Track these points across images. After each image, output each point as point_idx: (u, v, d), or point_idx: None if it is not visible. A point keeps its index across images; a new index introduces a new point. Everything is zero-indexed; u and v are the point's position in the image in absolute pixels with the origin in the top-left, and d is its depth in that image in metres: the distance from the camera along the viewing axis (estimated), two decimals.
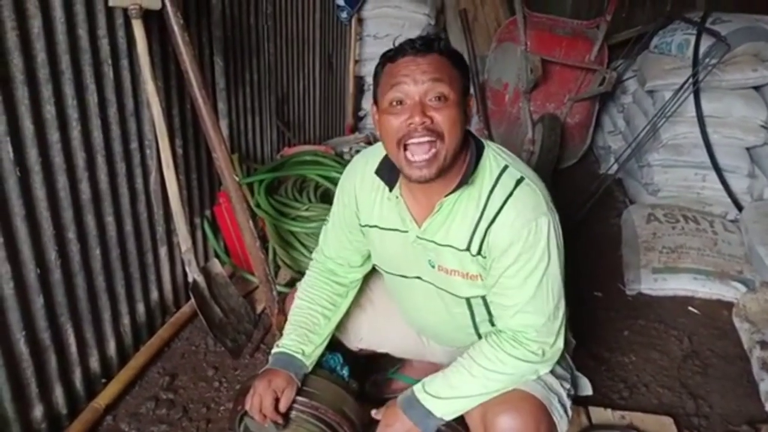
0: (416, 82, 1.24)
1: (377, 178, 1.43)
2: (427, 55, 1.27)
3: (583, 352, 2.12)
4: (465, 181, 1.32)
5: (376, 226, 1.49)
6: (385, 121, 1.29)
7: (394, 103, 1.27)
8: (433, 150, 1.25)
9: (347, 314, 1.69)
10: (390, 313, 1.72)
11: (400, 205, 1.41)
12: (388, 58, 1.31)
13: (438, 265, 1.41)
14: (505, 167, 1.35)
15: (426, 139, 1.24)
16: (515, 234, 1.29)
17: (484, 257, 1.35)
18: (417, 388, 1.38)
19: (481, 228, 1.33)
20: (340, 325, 1.68)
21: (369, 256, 1.62)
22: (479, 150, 1.37)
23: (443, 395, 1.35)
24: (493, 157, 1.37)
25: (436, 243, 1.38)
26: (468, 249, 1.35)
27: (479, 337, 1.52)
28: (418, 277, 1.48)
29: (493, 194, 1.32)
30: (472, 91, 4.25)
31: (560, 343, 1.35)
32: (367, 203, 1.49)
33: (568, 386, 1.42)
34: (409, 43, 1.29)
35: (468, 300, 1.43)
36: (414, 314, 1.63)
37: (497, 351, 1.33)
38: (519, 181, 1.33)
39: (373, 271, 1.72)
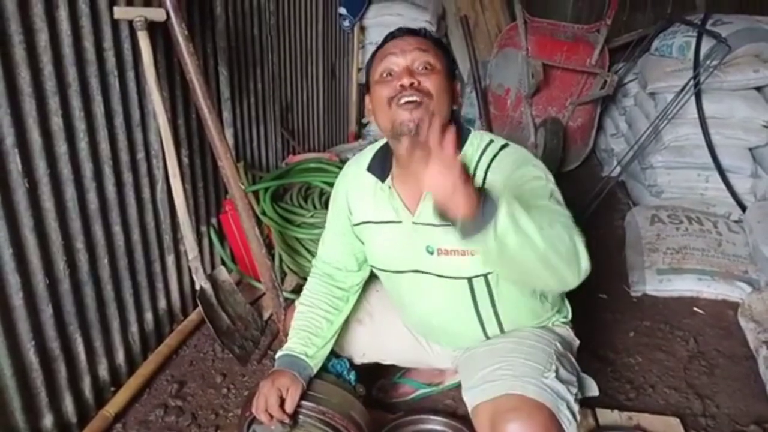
0: (404, 52, 1.36)
1: (369, 175, 1.49)
2: (413, 35, 1.41)
3: (588, 354, 2.13)
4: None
5: (369, 222, 1.52)
6: (376, 91, 1.38)
7: (385, 74, 1.37)
8: (421, 100, 1.31)
9: (347, 331, 1.71)
10: (389, 324, 1.73)
11: (392, 195, 1.45)
12: (381, 43, 1.44)
13: (438, 249, 1.42)
14: (491, 140, 1.44)
15: (414, 98, 1.31)
16: (512, 165, 1.36)
17: None
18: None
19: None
20: (341, 343, 1.70)
21: (365, 261, 1.65)
22: (464, 132, 1.45)
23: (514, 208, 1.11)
24: (479, 136, 1.46)
25: (433, 225, 1.40)
26: None
27: (482, 326, 1.53)
28: (416, 270, 1.49)
29: (480, 160, 1.40)
30: (474, 95, 4.29)
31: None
32: (360, 201, 1.54)
33: (575, 391, 1.42)
34: (396, 30, 1.45)
35: (470, 281, 1.44)
36: (415, 314, 1.63)
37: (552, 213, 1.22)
38: (504, 146, 1.42)
39: (370, 285, 1.74)
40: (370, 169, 1.50)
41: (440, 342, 1.69)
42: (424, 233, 1.42)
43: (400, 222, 1.46)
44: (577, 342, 1.62)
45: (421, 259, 1.46)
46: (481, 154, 1.41)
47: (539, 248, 1.11)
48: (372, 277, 1.73)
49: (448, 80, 1.38)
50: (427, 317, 1.61)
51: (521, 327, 1.55)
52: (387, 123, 1.37)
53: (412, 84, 1.31)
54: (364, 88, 1.48)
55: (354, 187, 1.56)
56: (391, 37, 1.43)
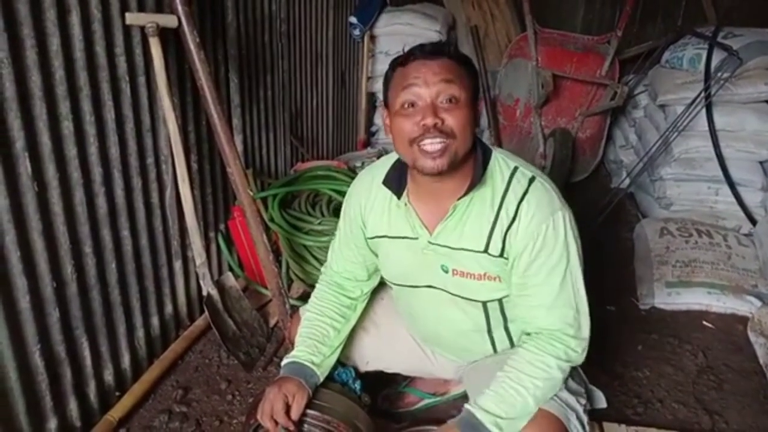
0: (428, 84, 1.27)
1: (384, 189, 1.45)
2: (437, 58, 1.30)
3: (596, 367, 2.11)
4: (476, 182, 1.34)
5: (385, 236, 1.50)
6: (398, 123, 1.31)
7: (406, 105, 1.30)
8: (445, 144, 1.27)
9: (351, 339, 1.69)
10: (395, 333, 1.73)
11: (408, 212, 1.43)
12: (399, 62, 1.34)
13: (453, 269, 1.41)
14: (516, 168, 1.38)
15: (438, 140, 1.27)
16: (534, 231, 1.31)
17: (506, 258, 1.35)
18: (473, 408, 1.30)
19: (500, 229, 1.34)
20: (346, 351, 1.68)
21: (375, 271, 1.65)
22: (487, 154, 1.40)
23: (500, 413, 1.28)
24: (502, 160, 1.40)
25: (449, 247, 1.39)
26: (486, 251, 1.36)
27: (492, 345, 1.52)
28: (430, 286, 1.48)
29: (507, 195, 1.34)
30: (483, 103, 4.29)
31: (588, 338, 1.38)
32: (375, 215, 1.51)
33: (584, 401, 1.41)
34: (419, 47, 1.33)
35: (485, 304, 1.43)
36: (426, 327, 1.63)
37: (541, 355, 1.33)
38: (531, 180, 1.36)
39: (376, 294, 1.74)
40: (386, 182, 1.46)
41: (447, 354, 1.68)
42: (441, 253, 1.41)
43: (416, 238, 1.44)
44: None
45: (435, 276, 1.45)
46: (508, 184, 1.36)
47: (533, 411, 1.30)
48: (378, 286, 1.73)
49: (472, 109, 1.32)
50: (437, 331, 1.60)
51: None
52: (408, 159, 1.34)
53: (436, 124, 1.26)
54: (381, 102, 1.45)
55: (368, 200, 1.52)
56: (413, 57, 1.32)
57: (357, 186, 1.58)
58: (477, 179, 1.34)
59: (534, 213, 1.32)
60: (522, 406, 1.29)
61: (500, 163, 1.39)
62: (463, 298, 1.44)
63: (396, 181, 1.44)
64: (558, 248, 1.32)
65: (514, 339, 1.52)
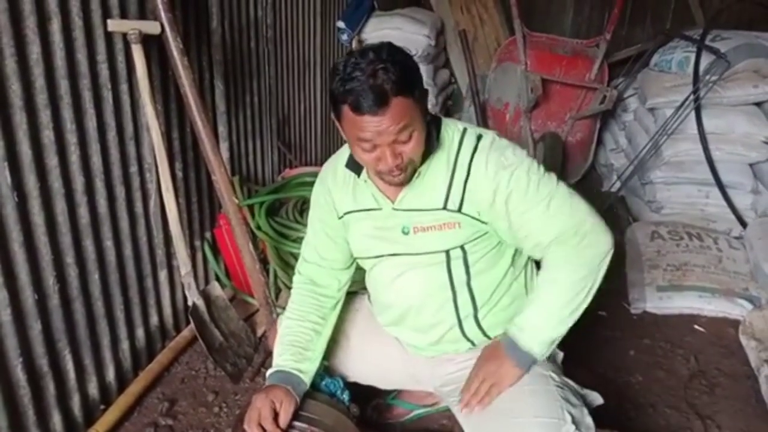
0: (381, 134, 1.29)
1: (347, 171, 1.52)
2: (384, 108, 1.24)
3: (587, 373, 2.09)
4: (431, 151, 1.42)
5: (352, 212, 1.56)
6: (356, 150, 1.37)
7: (365, 145, 1.33)
8: (405, 172, 1.39)
9: (332, 352, 1.71)
10: (367, 344, 1.73)
11: (370, 186, 1.50)
12: (348, 102, 1.26)
13: (413, 227, 1.47)
14: (465, 129, 1.47)
15: (402, 175, 1.38)
16: (492, 172, 1.40)
17: (465, 214, 1.43)
18: (512, 331, 1.46)
19: (457, 185, 1.42)
20: (329, 364, 1.69)
21: (352, 261, 1.67)
22: (438, 122, 1.48)
23: (539, 324, 1.44)
24: (452, 124, 1.49)
25: (412, 210, 1.47)
26: (445, 207, 1.44)
27: (456, 312, 1.54)
28: (393, 254, 1.52)
29: (460, 152, 1.43)
30: (472, 110, 4.27)
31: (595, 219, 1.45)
32: (343, 194, 1.57)
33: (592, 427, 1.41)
34: (361, 96, 1.23)
35: (447, 254, 1.48)
36: (393, 302, 1.61)
37: (566, 249, 1.42)
38: (479, 137, 1.45)
39: (350, 305, 1.77)
40: (348, 165, 1.52)
41: (416, 336, 1.63)
42: (404, 217, 1.48)
43: (380, 209, 1.51)
44: (561, 354, 1.60)
45: (397, 242, 1.50)
46: (459, 146, 1.44)
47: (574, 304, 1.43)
48: (353, 298, 1.77)
49: (423, 122, 1.34)
50: (403, 303, 1.58)
51: (495, 314, 1.56)
52: (371, 173, 1.44)
53: (397, 164, 1.33)
54: (332, 109, 1.34)
55: (334, 182, 1.59)
56: (360, 109, 1.24)
57: (323, 176, 1.64)
58: (432, 147, 1.43)
59: (487, 162, 1.41)
60: (558, 303, 1.43)
61: (450, 127, 1.47)
62: (426, 254, 1.48)
63: (356, 162, 1.48)
64: (523, 170, 1.41)
65: (478, 303, 1.53)
